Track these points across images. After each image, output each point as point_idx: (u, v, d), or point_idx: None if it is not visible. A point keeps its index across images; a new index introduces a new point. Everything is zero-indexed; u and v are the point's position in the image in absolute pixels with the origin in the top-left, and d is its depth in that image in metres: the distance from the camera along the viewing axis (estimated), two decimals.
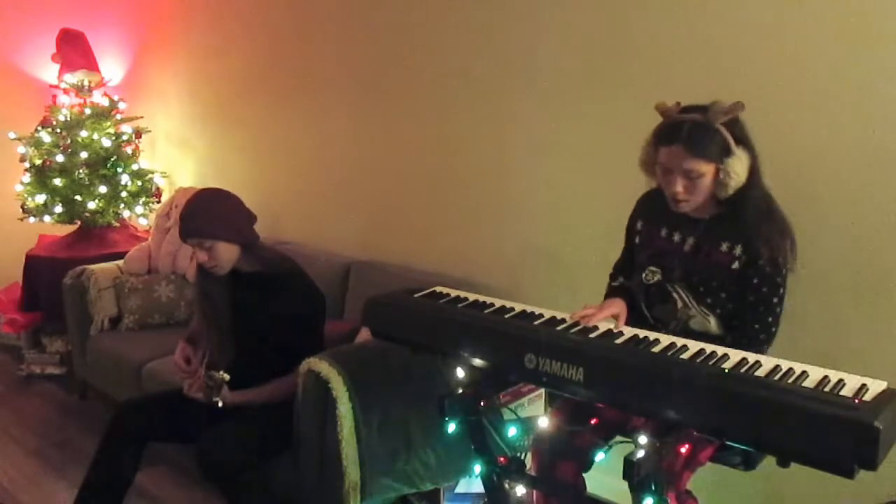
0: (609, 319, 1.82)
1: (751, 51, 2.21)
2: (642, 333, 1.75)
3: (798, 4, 2.11)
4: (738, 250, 1.81)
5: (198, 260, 2.35)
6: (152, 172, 4.48)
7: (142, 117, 4.53)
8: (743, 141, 1.78)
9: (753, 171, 1.79)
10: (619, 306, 1.87)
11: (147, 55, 4.75)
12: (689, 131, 1.75)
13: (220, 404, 2.30)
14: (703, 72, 2.31)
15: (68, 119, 4.20)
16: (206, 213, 2.30)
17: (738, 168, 1.75)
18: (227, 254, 2.34)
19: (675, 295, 1.90)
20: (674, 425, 1.54)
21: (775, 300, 1.81)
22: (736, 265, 1.81)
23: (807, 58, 2.11)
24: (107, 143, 4.25)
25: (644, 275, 1.94)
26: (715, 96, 2.27)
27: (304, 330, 2.44)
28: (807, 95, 2.13)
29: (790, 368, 1.53)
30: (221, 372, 2.30)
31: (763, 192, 1.83)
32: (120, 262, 3.82)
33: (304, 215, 3.85)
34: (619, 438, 1.95)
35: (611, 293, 2.05)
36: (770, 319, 1.82)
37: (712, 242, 1.85)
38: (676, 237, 1.92)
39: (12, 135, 4.23)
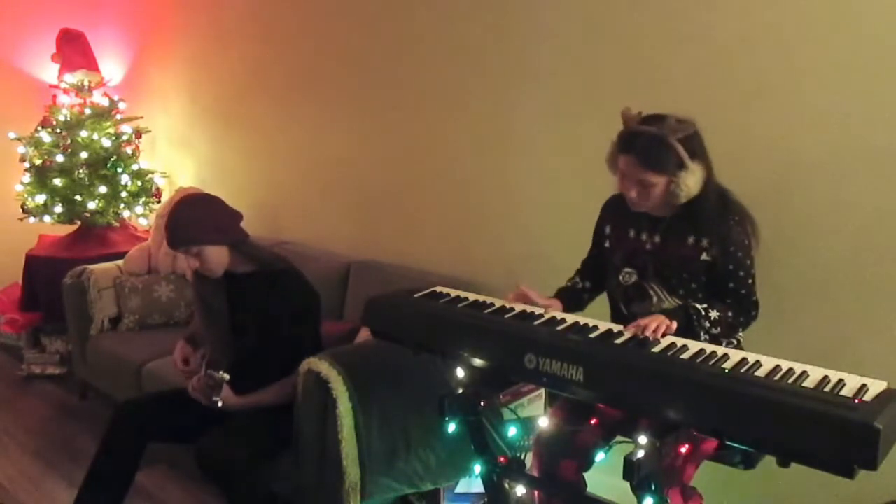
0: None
1: (752, 53, 2.21)
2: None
3: (800, 6, 2.11)
4: (704, 242, 1.90)
5: (189, 266, 2.37)
6: (152, 172, 4.48)
7: (142, 117, 4.53)
8: (698, 154, 1.85)
9: (707, 179, 1.87)
10: (556, 307, 1.99)
11: (147, 55, 4.75)
12: (644, 144, 1.83)
13: (220, 404, 2.30)
14: (705, 74, 2.31)
15: (68, 119, 4.20)
16: (188, 220, 2.31)
17: (689, 181, 1.83)
18: (216, 256, 2.35)
19: (650, 291, 1.96)
20: (674, 425, 1.54)
21: (750, 281, 1.92)
22: (705, 256, 1.90)
23: (808, 59, 2.11)
24: (107, 143, 4.25)
25: (621, 276, 2.01)
26: (717, 99, 2.28)
27: (301, 328, 2.44)
28: (808, 97, 2.13)
29: (790, 368, 1.53)
30: (221, 372, 2.30)
31: (717, 191, 1.91)
32: (120, 262, 3.82)
33: (304, 215, 3.85)
34: (619, 438, 1.95)
35: (558, 292, 2.14)
36: (754, 299, 1.94)
37: (678, 238, 1.93)
38: (644, 236, 1.99)
39: (12, 135, 4.23)
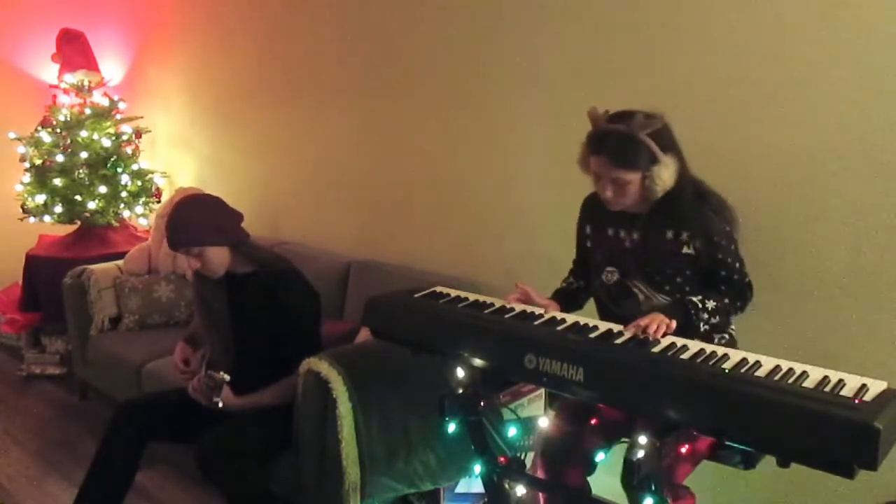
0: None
1: (752, 53, 2.21)
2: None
3: (801, 6, 2.11)
4: (684, 235, 1.89)
5: (190, 267, 2.37)
6: (152, 172, 4.48)
7: (142, 117, 4.54)
8: (669, 147, 1.84)
9: (681, 171, 1.86)
10: (554, 308, 1.98)
11: (147, 55, 4.75)
12: (614, 143, 1.82)
13: (220, 405, 2.30)
14: (705, 74, 2.31)
15: (68, 119, 4.21)
16: (188, 221, 2.31)
17: (664, 175, 1.82)
18: (217, 257, 2.35)
19: (635, 290, 1.95)
20: (674, 425, 1.54)
21: (738, 265, 1.91)
22: (687, 249, 1.89)
23: (809, 59, 2.11)
24: (107, 143, 4.25)
25: (604, 276, 2.00)
26: (717, 99, 2.28)
27: (301, 328, 2.44)
28: (808, 98, 2.13)
29: (790, 368, 1.53)
30: (221, 372, 2.30)
31: (692, 183, 1.91)
32: (120, 262, 3.82)
33: (304, 215, 3.85)
34: (620, 439, 1.95)
35: (554, 294, 2.14)
36: (746, 280, 1.93)
37: (656, 233, 1.92)
38: (623, 234, 1.98)
39: (12, 135, 4.23)
